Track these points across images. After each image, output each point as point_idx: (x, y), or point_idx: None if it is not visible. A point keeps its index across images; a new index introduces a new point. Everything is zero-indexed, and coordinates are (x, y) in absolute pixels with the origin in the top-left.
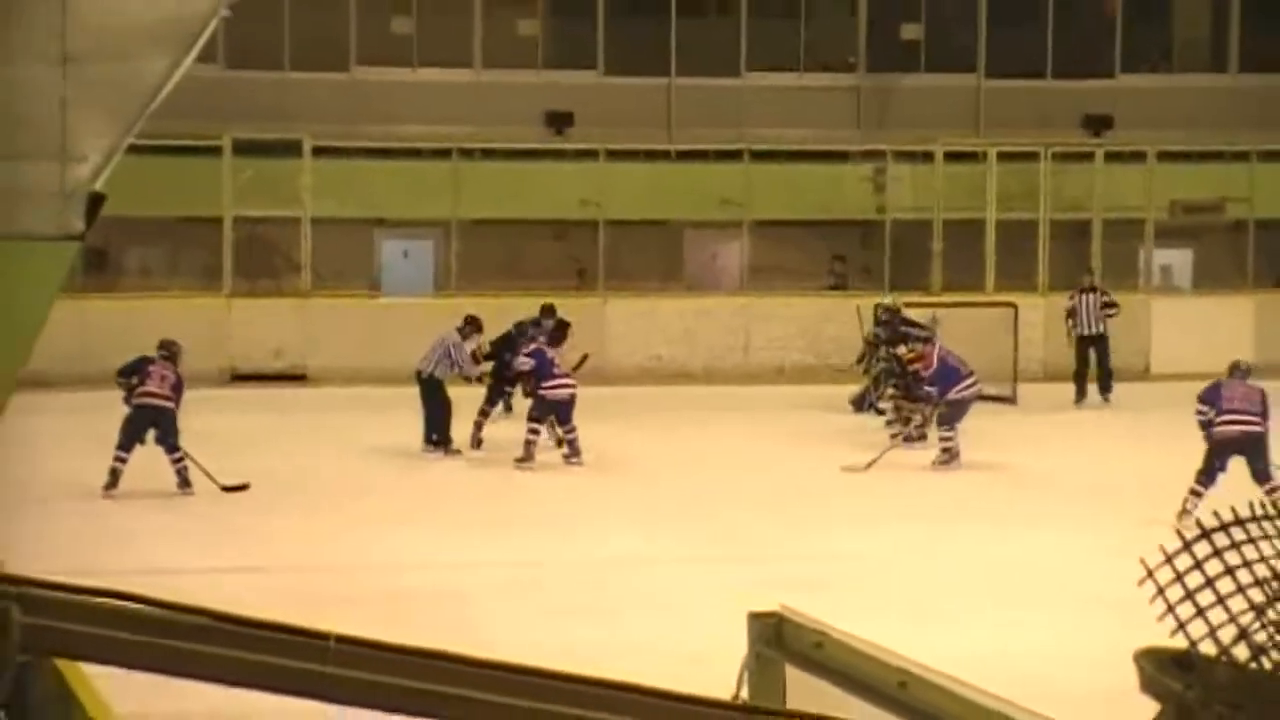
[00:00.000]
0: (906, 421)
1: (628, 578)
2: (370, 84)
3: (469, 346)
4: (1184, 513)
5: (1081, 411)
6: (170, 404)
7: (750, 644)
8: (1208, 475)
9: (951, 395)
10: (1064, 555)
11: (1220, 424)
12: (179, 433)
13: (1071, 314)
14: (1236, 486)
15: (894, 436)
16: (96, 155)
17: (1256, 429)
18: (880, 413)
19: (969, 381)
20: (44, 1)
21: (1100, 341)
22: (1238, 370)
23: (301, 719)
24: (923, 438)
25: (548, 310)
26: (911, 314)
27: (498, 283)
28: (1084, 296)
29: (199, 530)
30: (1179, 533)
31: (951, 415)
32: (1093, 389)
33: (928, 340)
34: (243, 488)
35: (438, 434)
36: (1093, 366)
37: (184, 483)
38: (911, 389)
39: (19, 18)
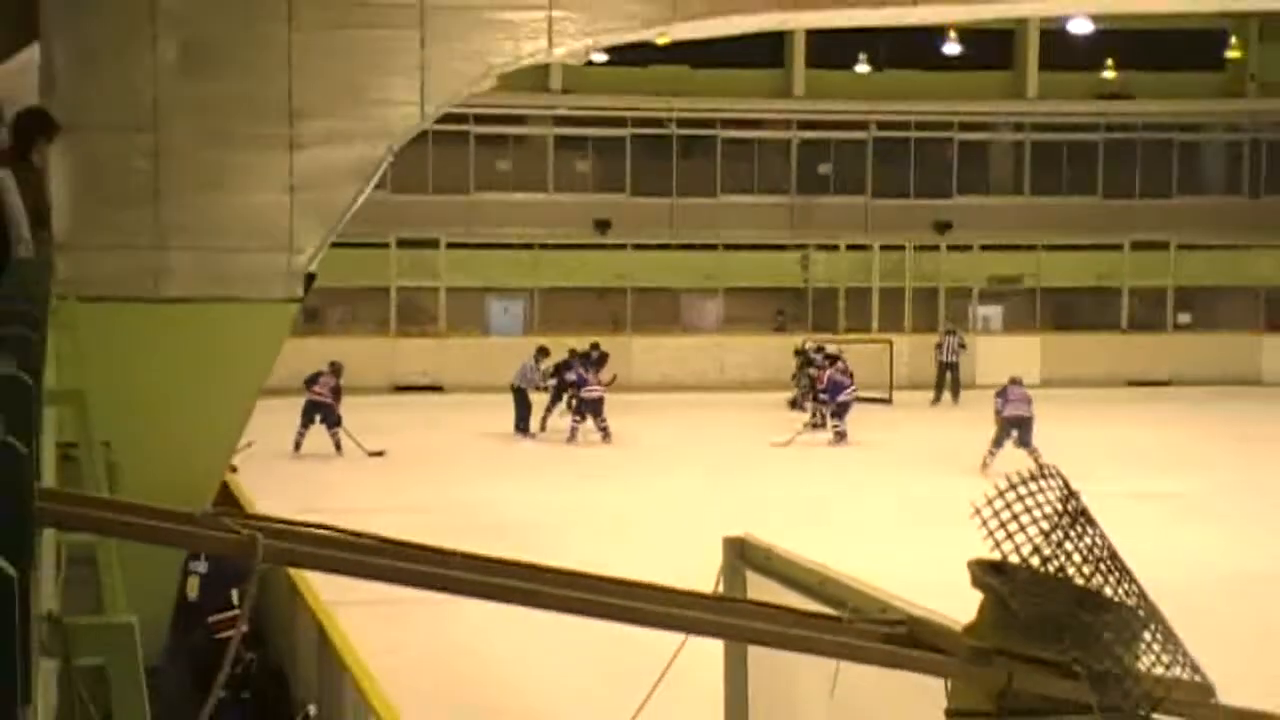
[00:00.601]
0: (815, 416)
1: (646, 517)
2: (482, 202)
3: (541, 366)
4: (984, 465)
5: (936, 408)
6: (327, 399)
7: (724, 558)
8: (997, 443)
9: (840, 398)
10: (924, 498)
11: (1007, 412)
12: (339, 419)
13: (939, 347)
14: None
15: (804, 425)
16: (311, 248)
17: (1026, 415)
18: (804, 409)
19: (850, 390)
20: (279, 152)
21: (954, 367)
22: (1015, 381)
23: (437, 604)
24: (822, 426)
25: (594, 345)
26: (829, 348)
27: (563, 328)
28: (947, 338)
29: (375, 482)
30: (994, 484)
31: (840, 411)
32: (946, 395)
33: (822, 366)
34: (380, 453)
35: (523, 424)
36: (947, 381)
37: (337, 447)
38: (816, 397)
39: (263, 165)
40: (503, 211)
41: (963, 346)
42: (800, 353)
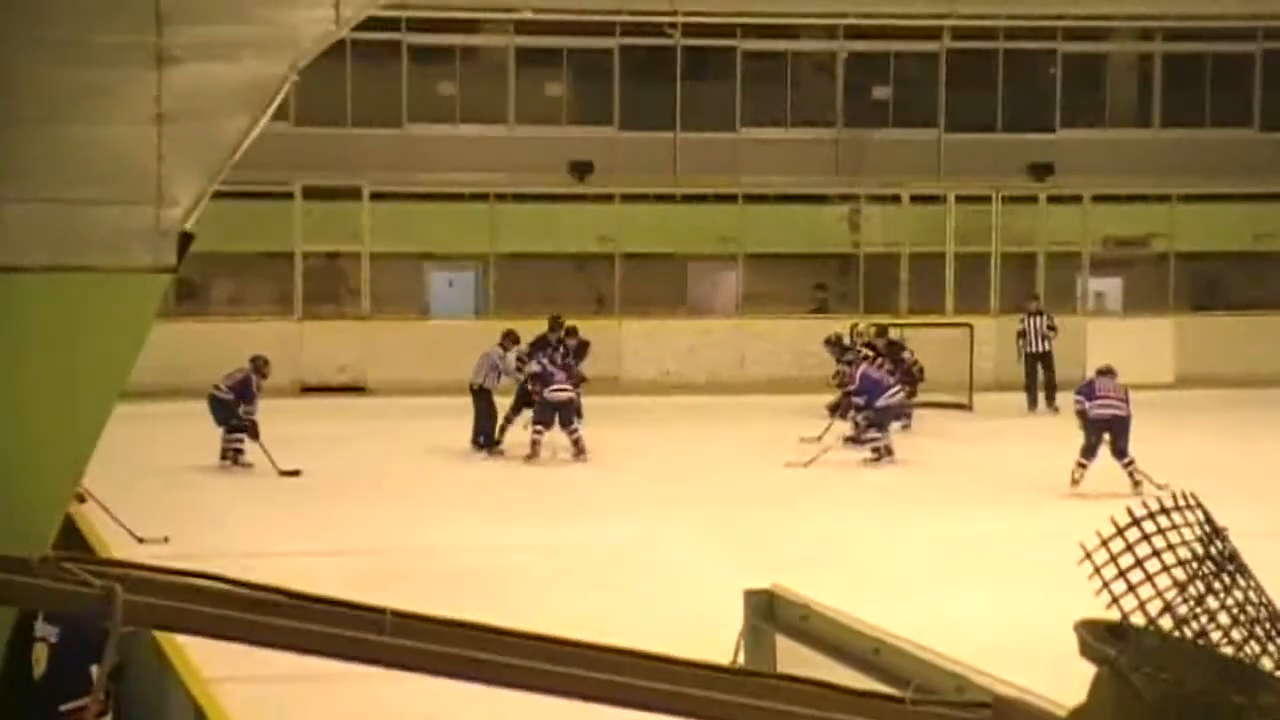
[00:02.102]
0: (854, 428)
1: (642, 559)
2: (419, 138)
3: (510, 356)
4: (1074, 482)
5: (1031, 417)
6: (225, 396)
7: (746, 617)
8: (1087, 453)
9: (879, 403)
10: (1015, 537)
11: (1094, 411)
12: (242, 423)
13: (1022, 335)
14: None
15: (836, 439)
16: (187, 200)
17: (1121, 414)
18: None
19: (892, 392)
20: (142, 69)
21: (1046, 358)
22: (1105, 371)
23: (364, 681)
24: (857, 441)
25: (561, 324)
26: (892, 333)
27: (528, 308)
28: (1031, 319)
29: (276, 517)
30: (1112, 519)
31: (878, 419)
32: (1042, 397)
33: (851, 363)
34: (295, 473)
35: (485, 437)
36: (1040, 379)
37: (224, 455)
38: (850, 402)
39: (120, 85)
40: (447, 151)
41: (1053, 329)
42: (833, 342)
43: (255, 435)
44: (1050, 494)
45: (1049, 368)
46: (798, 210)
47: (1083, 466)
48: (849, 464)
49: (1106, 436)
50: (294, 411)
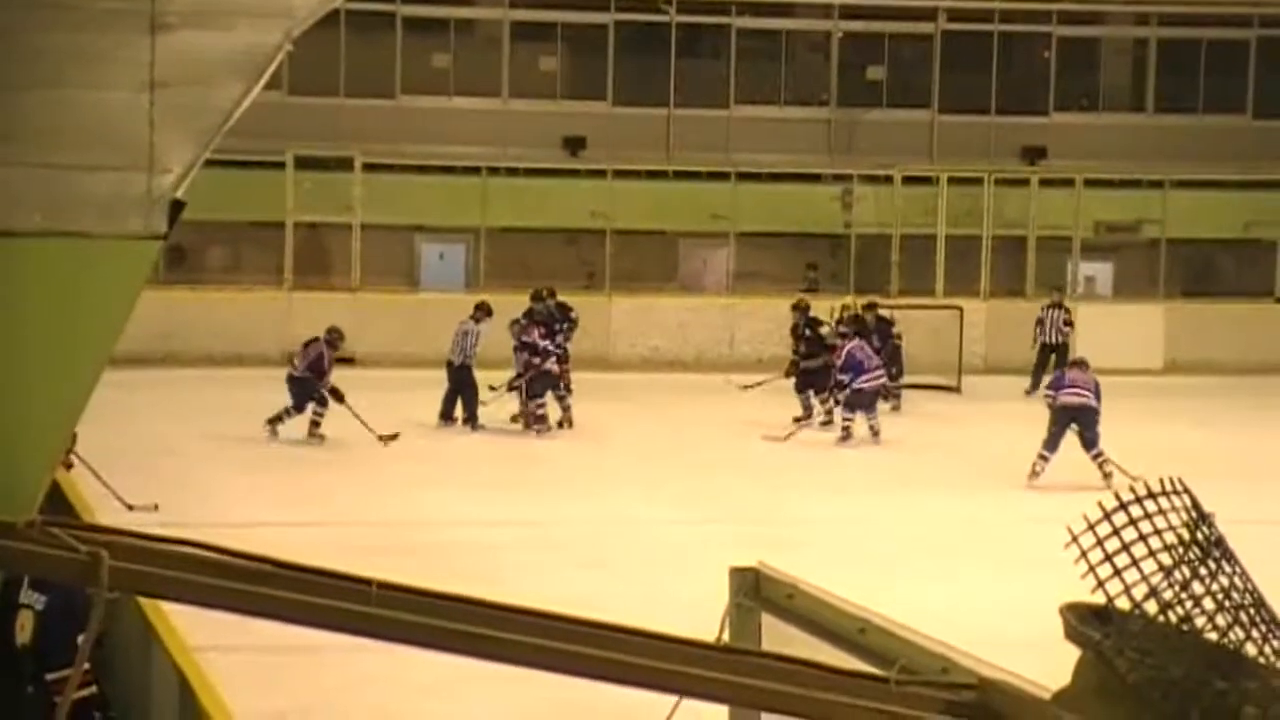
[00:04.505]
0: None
1: (627, 536)
2: (412, 110)
3: (483, 329)
4: (1033, 473)
5: (1022, 402)
6: (305, 375)
7: (731, 595)
8: (1050, 445)
9: (857, 384)
10: (1001, 520)
11: (1060, 400)
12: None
13: (1040, 324)
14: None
15: (818, 413)
16: (178, 167)
17: (1088, 404)
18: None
19: (873, 375)
20: (135, 35)
21: (1059, 350)
22: (1078, 363)
23: (349, 652)
24: (829, 423)
25: (550, 292)
26: (883, 313)
27: (519, 282)
28: (1051, 311)
29: (265, 487)
30: (1100, 503)
31: (855, 402)
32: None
33: (843, 335)
34: (395, 436)
35: (468, 412)
36: (1052, 368)
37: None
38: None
39: (114, 51)
40: (440, 123)
41: (1069, 324)
42: (799, 308)
43: (340, 399)
44: (1042, 478)
45: (1061, 359)
46: (790, 189)
47: (1044, 459)
48: (835, 444)
49: (1074, 427)
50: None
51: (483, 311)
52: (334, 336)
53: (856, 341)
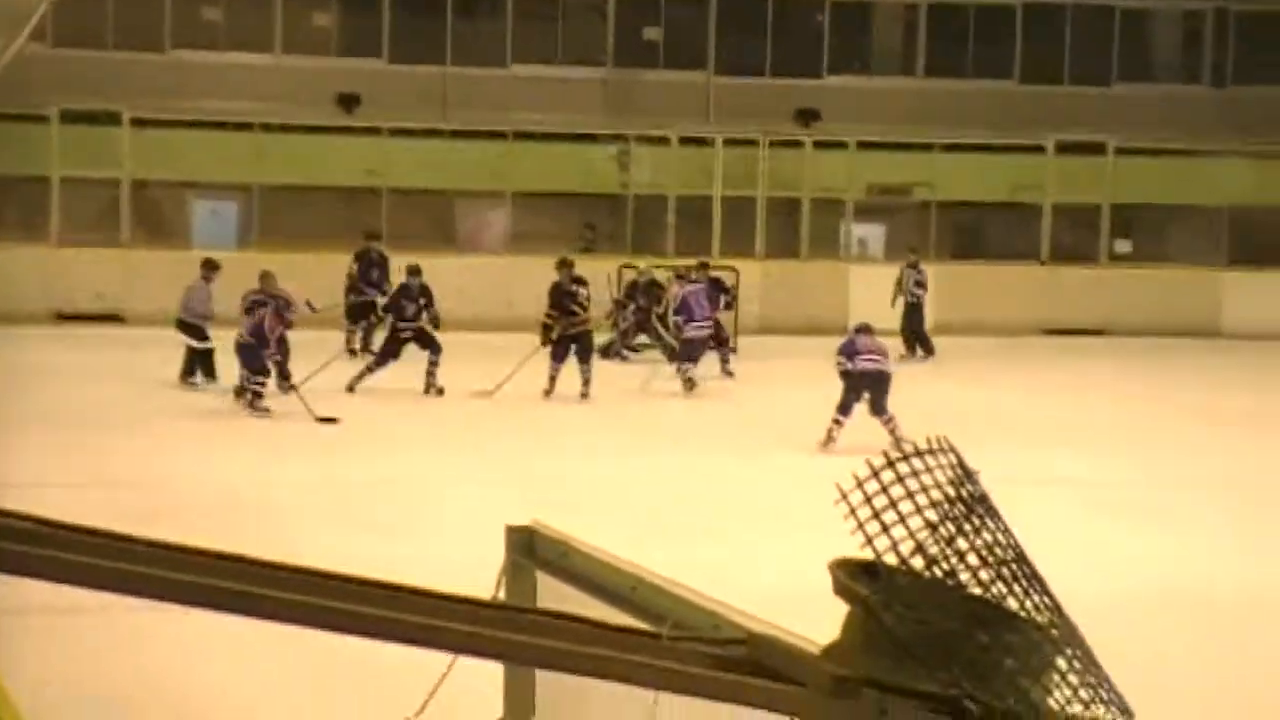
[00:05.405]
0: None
1: (409, 497)
2: (183, 64)
3: (212, 287)
4: (828, 439)
5: (793, 360)
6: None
7: (507, 554)
8: (843, 410)
9: (688, 333)
10: (776, 479)
11: (856, 366)
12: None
13: (898, 284)
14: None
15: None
16: None
17: (883, 370)
18: (625, 359)
19: (702, 324)
20: None
21: (914, 310)
22: (863, 329)
23: (125, 613)
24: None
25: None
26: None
27: (293, 240)
28: (906, 271)
29: (31, 447)
30: (868, 461)
31: (686, 352)
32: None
33: (679, 278)
34: (334, 420)
35: (196, 372)
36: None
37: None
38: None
39: None
40: (211, 78)
41: (921, 285)
42: (566, 264)
43: (286, 382)
44: (811, 439)
45: (916, 320)
46: (567, 149)
47: (838, 424)
48: (612, 405)
49: (866, 395)
50: (49, 340)
51: (210, 269)
52: (280, 303)
53: (694, 288)
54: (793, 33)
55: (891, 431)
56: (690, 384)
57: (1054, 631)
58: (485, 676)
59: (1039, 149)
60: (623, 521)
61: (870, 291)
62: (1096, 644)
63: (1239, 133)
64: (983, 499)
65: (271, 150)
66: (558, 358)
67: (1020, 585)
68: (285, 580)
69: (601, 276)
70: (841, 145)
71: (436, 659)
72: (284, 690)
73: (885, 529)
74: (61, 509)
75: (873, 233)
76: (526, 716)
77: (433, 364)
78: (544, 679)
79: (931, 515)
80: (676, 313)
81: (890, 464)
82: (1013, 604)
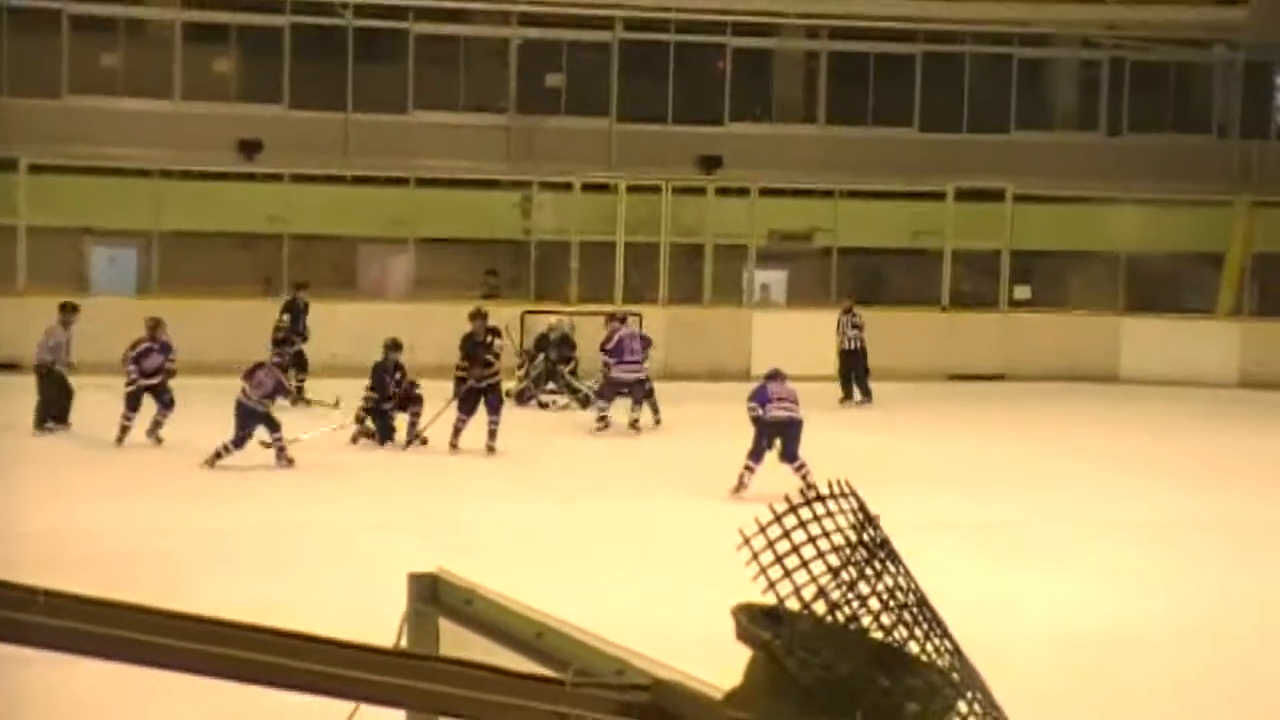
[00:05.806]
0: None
1: (308, 543)
2: (81, 110)
3: (70, 331)
4: (740, 485)
5: (711, 405)
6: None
7: (409, 601)
8: (754, 456)
9: (614, 373)
10: (682, 524)
11: (769, 414)
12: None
13: (839, 329)
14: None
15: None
16: None
17: (794, 417)
18: (543, 405)
19: (630, 367)
20: None
21: (856, 355)
22: (775, 375)
23: (16, 665)
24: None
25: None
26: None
27: (193, 287)
28: (843, 317)
29: None
30: (770, 506)
31: (606, 391)
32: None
33: (616, 319)
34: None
35: (49, 417)
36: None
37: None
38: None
39: None
40: (110, 124)
41: (857, 328)
42: (479, 316)
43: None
44: (719, 483)
45: (859, 364)
46: (470, 195)
47: (750, 470)
48: (520, 452)
49: (778, 442)
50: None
51: (68, 312)
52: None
53: (629, 330)
54: (695, 80)
55: (803, 478)
56: (604, 422)
57: (955, 675)
58: None
59: (939, 195)
60: (530, 567)
61: (773, 337)
62: (996, 687)
63: (1135, 180)
64: (884, 543)
65: (171, 197)
66: (466, 409)
67: (921, 629)
68: (183, 629)
69: (504, 324)
70: (744, 192)
71: (338, 707)
72: None
73: (788, 574)
74: None
75: (775, 278)
76: None
77: (415, 415)
78: None
79: (834, 560)
80: (608, 351)
81: (792, 508)
82: (914, 648)
